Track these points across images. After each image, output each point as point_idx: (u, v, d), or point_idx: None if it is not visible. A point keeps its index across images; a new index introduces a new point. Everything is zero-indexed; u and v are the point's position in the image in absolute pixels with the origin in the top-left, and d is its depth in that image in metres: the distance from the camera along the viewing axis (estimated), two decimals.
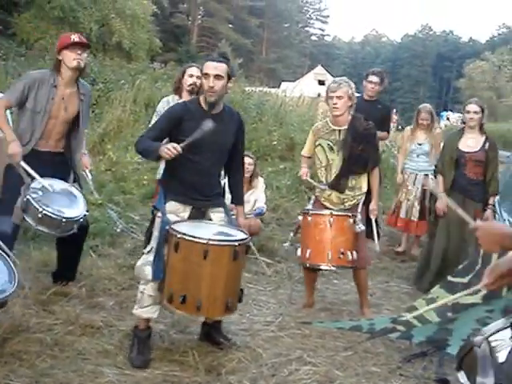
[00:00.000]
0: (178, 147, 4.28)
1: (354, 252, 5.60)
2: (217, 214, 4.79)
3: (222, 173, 5.10)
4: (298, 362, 4.70)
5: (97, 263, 6.54)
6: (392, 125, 12.72)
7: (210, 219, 4.75)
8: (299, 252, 5.80)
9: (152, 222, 4.67)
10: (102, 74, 15.99)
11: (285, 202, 10.34)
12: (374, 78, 8.11)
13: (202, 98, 4.65)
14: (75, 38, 5.32)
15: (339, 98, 5.66)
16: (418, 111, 8.61)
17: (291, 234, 6.09)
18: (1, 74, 14.75)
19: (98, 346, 4.67)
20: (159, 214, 4.54)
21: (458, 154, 6.78)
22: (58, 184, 5.30)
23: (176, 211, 4.62)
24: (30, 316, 5.00)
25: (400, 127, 25.60)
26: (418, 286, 6.99)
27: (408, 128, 9.10)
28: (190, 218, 4.66)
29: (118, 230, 7.92)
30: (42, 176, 5.18)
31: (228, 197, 5.12)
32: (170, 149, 4.27)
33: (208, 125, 4.32)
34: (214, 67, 4.50)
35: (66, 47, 5.29)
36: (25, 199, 4.98)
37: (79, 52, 5.30)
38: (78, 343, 4.66)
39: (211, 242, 4.16)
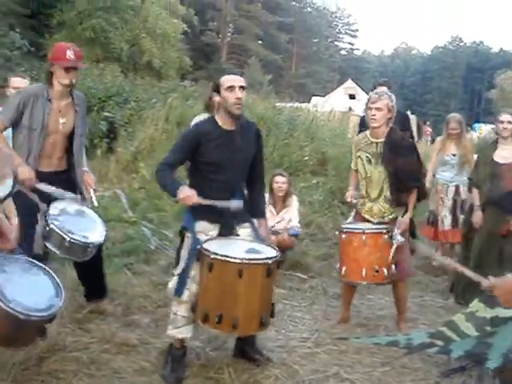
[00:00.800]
0: (198, 200, 4.34)
1: (392, 266, 5.53)
2: (244, 230, 4.77)
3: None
4: (335, 379, 4.66)
5: (131, 281, 6.56)
6: (425, 137, 12.70)
7: (238, 235, 4.73)
8: (337, 268, 5.76)
9: (181, 241, 4.65)
10: (133, 93, 16.07)
11: (318, 218, 10.29)
12: (381, 89, 8.08)
13: (218, 116, 4.64)
14: (71, 55, 5.09)
15: (378, 109, 5.59)
16: (447, 121, 8.56)
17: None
18: None
19: (133, 364, 4.69)
20: (188, 234, 4.54)
21: (493, 166, 6.70)
22: (71, 206, 5.17)
23: (205, 230, 4.60)
24: (66, 335, 5.04)
25: (432, 139, 25.48)
26: (453, 299, 6.90)
27: (438, 139, 9.04)
28: (219, 235, 4.64)
29: (152, 248, 7.97)
30: (51, 200, 5.03)
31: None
32: (191, 198, 4.34)
33: (234, 204, 4.41)
34: (238, 79, 4.52)
35: (59, 64, 5.08)
36: (47, 228, 4.80)
37: (72, 71, 5.14)
38: (114, 361, 4.67)
39: (245, 262, 4.15)
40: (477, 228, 6.74)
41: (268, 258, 4.26)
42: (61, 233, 4.77)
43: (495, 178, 6.68)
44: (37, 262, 3.95)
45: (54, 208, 4.97)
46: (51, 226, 4.79)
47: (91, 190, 5.58)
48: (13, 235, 3.80)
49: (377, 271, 5.46)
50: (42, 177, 5.11)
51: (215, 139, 4.52)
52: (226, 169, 4.56)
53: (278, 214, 8.00)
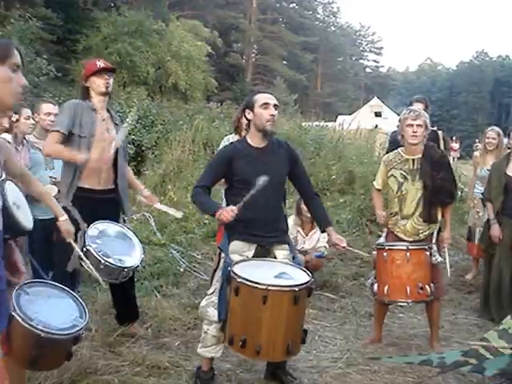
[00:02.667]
0: (235, 210, 4.30)
1: (432, 284, 5.49)
2: (281, 252, 4.74)
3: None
4: None
5: (161, 303, 6.57)
6: (452, 153, 12.66)
7: (275, 257, 4.70)
8: (375, 288, 5.66)
9: (218, 261, 4.68)
10: (160, 116, 16.21)
11: (346, 237, 10.18)
12: (418, 105, 8.07)
13: (249, 135, 4.70)
14: (101, 64, 5.41)
15: (419, 126, 5.57)
16: (484, 134, 8.52)
17: (373, 272, 5.93)
18: None
19: None
20: (223, 255, 4.56)
21: (506, 180, 6.67)
22: (112, 228, 5.24)
23: (240, 250, 4.61)
24: (97, 358, 5.06)
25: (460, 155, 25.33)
26: (485, 316, 6.84)
27: (477, 153, 9.00)
28: (255, 256, 4.63)
29: (181, 270, 7.98)
30: (95, 219, 5.12)
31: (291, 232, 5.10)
32: (228, 212, 4.31)
33: (262, 179, 4.30)
34: (273, 98, 4.60)
35: (93, 74, 5.37)
36: (84, 249, 4.87)
37: (106, 77, 5.39)
38: None
39: (270, 288, 4.05)
40: (496, 242, 6.69)
41: (295, 286, 4.13)
42: (97, 256, 4.83)
43: (509, 192, 6.64)
44: (61, 286, 3.98)
45: (94, 229, 5.05)
46: (88, 247, 4.86)
47: (163, 207, 5.96)
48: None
49: (421, 288, 5.40)
50: (92, 195, 5.32)
51: (246, 156, 4.58)
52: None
53: (306, 235, 7.98)
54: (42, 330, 3.52)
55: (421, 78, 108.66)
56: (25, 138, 6.13)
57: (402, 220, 5.72)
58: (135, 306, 5.92)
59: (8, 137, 5.77)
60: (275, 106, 4.59)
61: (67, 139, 5.30)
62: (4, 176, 3.85)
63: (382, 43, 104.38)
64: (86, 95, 5.45)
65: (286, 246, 4.80)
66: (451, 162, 8.66)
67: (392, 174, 5.79)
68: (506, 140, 8.38)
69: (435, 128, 9.01)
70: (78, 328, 3.75)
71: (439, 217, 5.74)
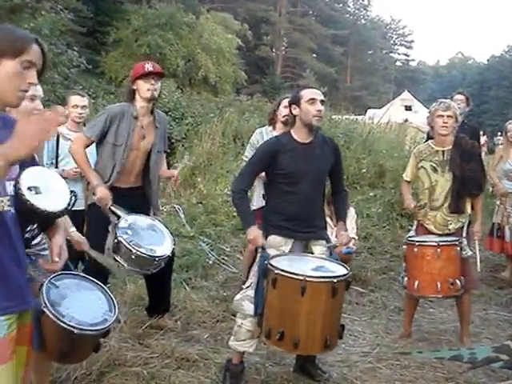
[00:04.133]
0: (263, 242, 4.46)
1: (462, 278, 5.44)
2: (318, 247, 4.72)
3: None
4: None
5: (190, 296, 6.57)
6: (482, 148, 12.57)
7: (312, 252, 4.67)
8: (405, 282, 5.63)
9: (254, 256, 4.66)
10: (190, 109, 16.23)
11: (376, 231, 10.17)
12: (459, 96, 8.01)
13: (294, 129, 4.65)
14: (149, 67, 5.28)
15: (450, 117, 5.57)
16: (505, 128, 8.41)
17: (403, 266, 5.87)
18: (91, 112, 15.19)
19: (194, 379, 4.68)
20: (259, 249, 4.53)
21: None
22: (142, 220, 5.24)
23: (277, 245, 4.58)
24: (126, 350, 5.07)
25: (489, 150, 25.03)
26: None
27: (500, 147, 8.89)
28: (291, 251, 4.61)
29: (210, 262, 7.98)
30: (126, 209, 5.15)
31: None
32: (254, 237, 4.46)
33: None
34: (319, 93, 4.58)
35: (140, 77, 5.27)
36: (115, 240, 4.88)
37: (153, 82, 5.27)
38: (175, 377, 4.67)
39: (308, 279, 4.03)
40: None
41: (334, 277, 4.12)
42: (128, 246, 4.83)
43: None
44: (90, 278, 3.97)
45: (124, 221, 5.05)
46: (119, 238, 4.86)
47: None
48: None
49: (452, 284, 5.36)
50: (119, 192, 5.29)
51: (291, 151, 4.56)
52: (301, 181, 4.56)
53: (335, 226, 7.93)
54: (74, 327, 3.48)
55: (451, 72, 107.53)
56: None
57: (432, 211, 5.67)
58: (169, 297, 5.92)
59: None
60: (322, 101, 4.55)
61: (101, 145, 5.34)
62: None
63: (413, 37, 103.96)
64: (132, 98, 5.37)
65: (324, 242, 4.76)
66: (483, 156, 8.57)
67: (422, 166, 5.76)
68: None
69: (470, 123, 8.95)
70: (108, 323, 3.73)
71: (468, 209, 5.69)
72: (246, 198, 4.66)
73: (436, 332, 6.15)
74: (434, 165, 5.68)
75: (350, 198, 9.78)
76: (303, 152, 4.58)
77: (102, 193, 5.11)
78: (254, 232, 4.44)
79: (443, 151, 5.67)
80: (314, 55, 67.02)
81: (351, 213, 8.12)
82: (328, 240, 4.83)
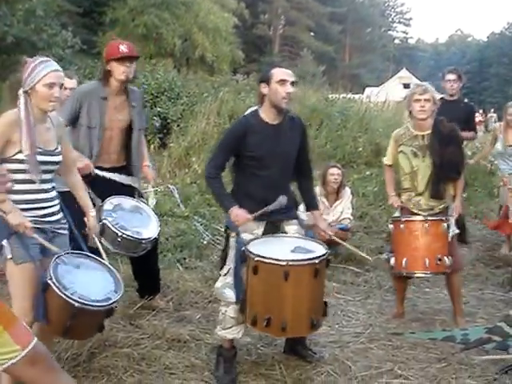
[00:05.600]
0: (251, 218, 4.29)
1: (450, 257, 5.38)
2: (291, 227, 4.64)
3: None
4: (388, 375, 4.55)
5: (183, 276, 6.55)
6: (478, 127, 12.55)
7: (285, 233, 4.60)
8: (392, 261, 5.54)
9: (226, 241, 4.55)
10: (185, 88, 16.12)
11: (372, 210, 10.15)
12: (451, 76, 7.96)
13: (262, 109, 4.52)
14: (124, 49, 5.14)
15: (427, 100, 5.44)
16: (505, 109, 8.33)
17: (388, 247, 5.82)
18: None
19: (184, 360, 4.67)
20: (233, 234, 4.44)
21: None
22: (127, 202, 5.18)
23: (249, 229, 4.46)
24: (117, 331, 5.07)
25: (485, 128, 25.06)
26: None
27: (495, 125, 8.83)
28: (265, 233, 4.52)
29: (205, 242, 7.95)
30: (109, 195, 5.06)
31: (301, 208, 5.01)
32: (243, 217, 4.29)
33: (281, 201, 4.32)
34: (291, 74, 4.42)
35: (114, 59, 5.14)
36: (100, 223, 4.79)
37: (128, 64, 5.15)
38: (165, 357, 4.66)
39: (291, 263, 3.99)
40: None
41: (315, 258, 4.09)
42: (113, 229, 4.78)
43: None
44: (100, 260, 4.09)
45: (109, 203, 5.00)
46: (104, 221, 4.81)
47: (149, 187, 5.70)
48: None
49: (440, 260, 5.30)
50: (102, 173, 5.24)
51: (259, 133, 4.42)
52: (270, 164, 4.45)
53: (330, 206, 7.91)
54: (76, 300, 3.60)
55: (450, 49, 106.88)
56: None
57: (416, 196, 5.61)
58: (157, 279, 5.88)
59: None
60: (293, 82, 4.41)
61: (75, 128, 5.23)
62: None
63: (411, 14, 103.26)
64: (106, 78, 5.25)
65: (295, 221, 4.68)
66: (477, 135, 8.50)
67: (402, 151, 5.66)
68: None
69: (466, 100, 8.88)
70: (111, 301, 3.84)
71: (451, 191, 5.64)
72: (220, 182, 4.52)
73: (430, 312, 6.11)
74: (415, 150, 5.57)
75: (346, 178, 9.73)
76: (272, 134, 4.45)
77: (81, 164, 4.93)
78: (237, 211, 4.31)
79: (423, 135, 5.55)
80: (312, 34, 66.77)
81: (347, 193, 8.10)
82: (299, 219, 4.75)
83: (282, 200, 4.33)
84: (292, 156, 4.61)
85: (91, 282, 3.90)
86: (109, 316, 4.00)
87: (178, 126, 13.92)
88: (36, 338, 2.76)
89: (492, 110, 34.97)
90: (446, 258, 5.33)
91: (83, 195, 4.35)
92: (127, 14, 30.54)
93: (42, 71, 3.77)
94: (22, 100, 3.78)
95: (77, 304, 3.58)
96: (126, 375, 4.36)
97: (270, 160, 4.42)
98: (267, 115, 4.48)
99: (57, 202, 4.06)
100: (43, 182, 3.88)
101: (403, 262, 5.40)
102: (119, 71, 5.15)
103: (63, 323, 3.65)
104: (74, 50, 19.49)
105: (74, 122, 5.20)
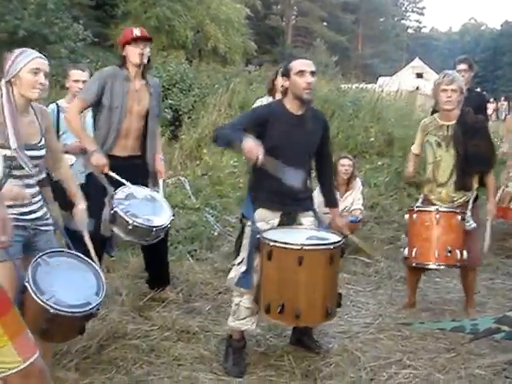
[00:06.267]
0: (261, 153, 4.01)
1: (464, 251, 5.30)
2: (307, 218, 4.62)
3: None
4: (397, 365, 4.54)
5: (194, 268, 6.56)
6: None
7: (300, 224, 4.58)
8: (406, 251, 5.54)
9: (241, 231, 4.55)
10: (197, 80, 16.09)
11: (383, 200, 10.10)
12: (462, 66, 7.88)
13: (287, 100, 4.50)
14: (137, 32, 5.27)
15: (454, 91, 5.38)
16: None
17: (403, 236, 5.79)
18: None
19: (193, 351, 4.68)
20: (249, 223, 4.43)
21: None
22: (140, 191, 5.18)
23: (265, 219, 4.46)
24: (126, 322, 5.07)
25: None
26: None
27: (510, 116, 8.77)
28: (280, 224, 4.50)
29: (216, 234, 7.95)
30: (123, 184, 5.09)
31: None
32: (255, 149, 4.00)
33: (293, 181, 4.18)
34: (309, 64, 4.41)
35: (128, 42, 5.26)
36: (112, 211, 4.84)
37: (142, 47, 5.25)
38: (174, 349, 4.67)
39: (305, 248, 3.98)
40: None
41: (330, 244, 4.09)
42: (124, 216, 4.78)
43: None
44: (86, 259, 3.92)
45: (121, 192, 5.00)
46: (115, 209, 4.82)
47: (160, 181, 5.64)
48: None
49: (450, 252, 5.24)
50: (117, 162, 5.22)
51: (284, 122, 4.41)
52: (287, 153, 4.37)
53: (341, 197, 7.89)
54: (50, 306, 3.45)
55: (464, 38, 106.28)
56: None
57: (438, 187, 5.56)
58: (167, 270, 5.90)
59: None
60: (312, 72, 4.39)
61: (98, 110, 5.28)
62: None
63: (424, 3, 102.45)
64: (123, 64, 5.37)
65: (311, 213, 4.67)
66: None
67: (427, 140, 5.63)
68: None
69: (479, 89, 8.83)
70: (90, 306, 3.64)
71: (475, 185, 5.56)
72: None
73: (441, 302, 6.10)
74: (439, 139, 5.54)
75: (358, 168, 9.71)
76: (296, 125, 4.44)
77: (98, 160, 5.07)
78: (251, 142, 4.05)
79: (448, 126, 5.51)
80: (325, 24, 66.47)
81: (358, 184, 8.07)
82: (315, 211, 4.73)
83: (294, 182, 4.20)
84: (313, 147, 4.61)
85: (72, 283, 3.74)
86: (88, 320, 3.88)
87: (190, 117, 13.93)
88: (38, 352, 2.77)
89: (503, 99, 34.70)
90: (457, 250, 5.26)
91: (74, 186, 4.23)
92: (139, 6, 30.46)
93: (26, 58, 3.67)
94: (4, 90, 3.66)
95: (52, 310, 3.44)
96: (135, 367, 4.38)
97: (288, 150, 4.37)
98: (291, 106, 4.47)
99: (39, 197, 3.93)
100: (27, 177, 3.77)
101: (413, 253, 5.38)
102: (134, 53, 5.26)
103: (39, 326, 3.49)
104: (86, 43, 19.54)
105: (97, 103, 5.25)
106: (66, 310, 3.52)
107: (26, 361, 2.67)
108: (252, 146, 4.03)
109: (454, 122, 5.49)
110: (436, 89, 5.51)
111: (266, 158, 4.06)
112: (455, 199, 5.51)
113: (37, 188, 3.90)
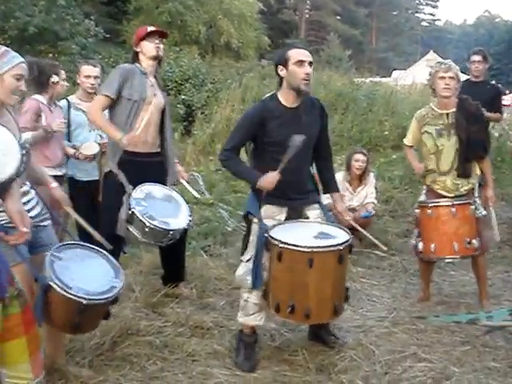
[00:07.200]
0: (276, 176, 4.17)
1: (479, 239, 5.34)
2: (313, 212, 4.58)
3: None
4: (412, 359, 4.51)
5: (207, 263, 6.54)
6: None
7: (307, 217, 4.55)
8: (421, 246, 5.51)
9: (248, 227, 4.50)
10: (210, 75, 16.11)
11: (398, 193, 10.04)
12: (476, 57, 7.85)
13: (280, 92, 4.43)
14: (152, 28, 5.38)
15: (452, 78, 5.39)
16: None
17: (415, 232, 5.75)
18: None
19: (207, 347, 4.66)
20: (255, 220, 4.38)
21: None
22: (158, 190, 5.17)
23: (272, 215, 4.43)
24: (139, 319, 5.06)
25: None
26: None
27: None
28: (287, 219, 4.47)
29: (230, 229, 7.93)
30: (141, 182, 5.06)
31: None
32: (270, 179, 4.19)
33: (298, 140, 4.14)
34: (308, 54, 4.35)
35: (143, 38, 5.30)
36: (129, 212, 4.84)
37: (157, 41, 5.31)
38: (188, 345, 4.65)
39: (316, 250, 3.97)
40: None
41: (339, 244, 4.05)
42: (142, 218, 4.78)
43: None
44: (92, 246, 3.93)
45: (140, 191, 5.00)
46: (133, 210, 4.82)
47: (186, 184, 5.76)
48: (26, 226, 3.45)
49: (469, 243, 5.26)
50: (137, 161, 5.24)
51: (278, 118, 4.34)
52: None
53: (354, 191, 7.84)
54: (83, 298, 3.48)
55: (479, 30, 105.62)
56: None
57: (441, 176, 5.53)
58: (183, 268, 5.89)
59: (41, 98, 5.76)
60: (310, 63, 4.33)
61: (116, 102, 5.25)
62: None
63: None
64: (136, 60, 5.39)
65: (317, 206, 4.63)
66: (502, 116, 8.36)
67: (426, 131, 5.58)
68: None
69: (493, 82, 8.76)
70: (116, 290, 3.71)
71: (477, 171, 5.56)
72: (236, 160, 4.45)
73: (456, 295, 6.05)
74: (440, 129, 5.51)
75: (372, 162, 9.66)
76: (291, 118, 4.37)
77: (128, 139, 5.01)
78: (263, 179, 4.22)
79: (447, 114, 5.49)
80: (338, 17, 66.24)
81: (371, 178, 8.01)
82: (321, 203, 4.69)
83: (297, 139, 4.17)
84: (312, 139, 4.52)
85: (90, 273, 3.78)
86: (114, 303, 3.91)
87: (203, 113, 13.93)
88: (43, 373, 2.81)
89: (508, 92, 34.40)
90: (474, 240, 5.29)
91: (44, 172, 4.17)
92: (151, 1, 30.49)
93: (11, 61, 3.45)
94: None
95: (85, 301, 3.48)
96: (148, 363, 4.37)
97: (291, 143, 4.29)
98: (286, 98, 4.40)
99: (33, 193, 3.85)
100: None
101: (432, 248, 5.37)
102: (150, 48, 5.31)
103: (71, 321, 3.56)
104: (98, 39, 19.56)
105: (118, 96, 5.23)
106: (99, 298, 3.57)
107: (36, 378, 2.69)
108: (266, 182, 4.23)
109: (452, 109, 5.48)
110: (433, 77, 5.52)
111: (278, 173, 4.20)
112: (461, 187, 5.49)
113: (28, 185, 3.83)
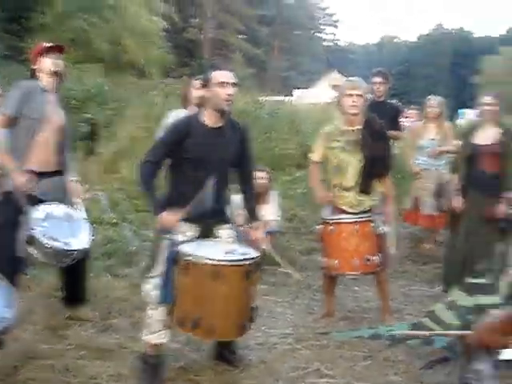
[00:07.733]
0: (179, 217, 4.26)
1: (380, 255, 5.52)
2: (224, 231, 4.61)
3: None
4: (315, 375, 4.59)
5: (112, 284, 6.47)
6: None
7: (218, 237, 4.58)
8: (325, 262, 5.65)
9: (157, 243, 4.47)
10: (114, 93, 15.95)
11: (300, 211, 10.19)
12: (377, 79, 8.12)
13: (205, 112, 4.47)
14: (49, 44, 5.34)
15: (359, 96, 5.53)
16: (424, 103, 8.53)
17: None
18: None
19: (109, 369, 4.59)
20: (166, 235, 4.37)
21: (472, 149, 6.52)
22: (58, 209, 5.10)
23: (183, 231, 4.43)
24: (41, 342, 4.94)
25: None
26: (440, 287, 6.79)
27: (418, 124, 9.05)
28: (198, 237, 4.49)
29: (133, 249, 7.85)
30: (41, 202, 5.00)
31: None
32: (172, 219, 4.26)
33: (201, 197, 4.26)
34: (230, 76, 4.41)
35: (41, 54, 5.26)
36: (28, 233, 4.76)
37: (55, 56, 5.28)
38: (90, 368, 4.58)
39: (222, 263, 3.99)
40: (459, 213, 6.54)
41: (247, 259, 4.09)
42: (42, 239, 4.73)
43: (474, 161, 6.51)
44: None
45: (40, 211, 4.92)
46: (33, 232, 4.75)
47: (79, 201, 5.55)
48: None
49: (368, 260, 5.42)
50: (37, 178, 5.13)
51: (200, 136, 4.39)
52: (207, 166, 4.39)
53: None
54: None
55: (382, 51, 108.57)
56: None
57: (344, 192, 5.65)
58: (85, 289, 5.77)
59: None
60: (234, 84, 4.40)
61: (17, 121, 5.14)
62: None
63: (340, 16, 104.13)
64: (34, 77, 5.32)
65: (228, 225, 4.67)
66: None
67: (332, 146, 5.70)
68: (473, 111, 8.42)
69: (394, 101, 9.05)
70: (5, 321, 3.58)
71: (379, 188, 5.70)
72: (154, 172, 4.45)
73: (359, 310, 6.20)
74: (344, 145, 5.63)
75: (275, 180, 9.75)
76: (211, 137, 4.42)
77: (20, 179, 4.95)
78: (166, 217, 4.27)
79: (353, 130, 5.62)
80: (242, 36, 66.73)
81: (274, 197, 8.07)
82: (233, 223, 4.75)
83: (202, 196, 4.27)
84: (229, 160, 4.58)
85: None
86: (4, 334, 3.80)
87: (108, 131, 13.76)
88: None
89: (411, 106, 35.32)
90: (374, 257, 5.46)
91: None
92: (55, 18, 29.96)
93: None
94: None
95: None
96: None
97: (207, 162, 4.38)
98: (209, 118, 4.45)
99: None
100: None
101: (334, 264, 5.50)
102: (48, 63, 5.27)
103: None
104: None
105: (18, 115, 5.12)
106: None
107: None
108: (167, 219, 4.28)
109: (357, 126, 5.61)
110: (340, 94, 5.65)
111: (183, 215, 4.26)
112: (363, 202, 5.63)
113: None
